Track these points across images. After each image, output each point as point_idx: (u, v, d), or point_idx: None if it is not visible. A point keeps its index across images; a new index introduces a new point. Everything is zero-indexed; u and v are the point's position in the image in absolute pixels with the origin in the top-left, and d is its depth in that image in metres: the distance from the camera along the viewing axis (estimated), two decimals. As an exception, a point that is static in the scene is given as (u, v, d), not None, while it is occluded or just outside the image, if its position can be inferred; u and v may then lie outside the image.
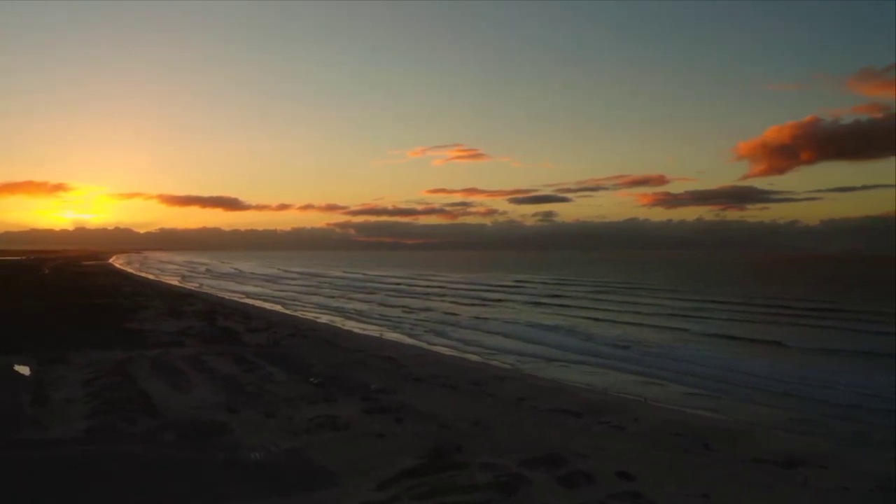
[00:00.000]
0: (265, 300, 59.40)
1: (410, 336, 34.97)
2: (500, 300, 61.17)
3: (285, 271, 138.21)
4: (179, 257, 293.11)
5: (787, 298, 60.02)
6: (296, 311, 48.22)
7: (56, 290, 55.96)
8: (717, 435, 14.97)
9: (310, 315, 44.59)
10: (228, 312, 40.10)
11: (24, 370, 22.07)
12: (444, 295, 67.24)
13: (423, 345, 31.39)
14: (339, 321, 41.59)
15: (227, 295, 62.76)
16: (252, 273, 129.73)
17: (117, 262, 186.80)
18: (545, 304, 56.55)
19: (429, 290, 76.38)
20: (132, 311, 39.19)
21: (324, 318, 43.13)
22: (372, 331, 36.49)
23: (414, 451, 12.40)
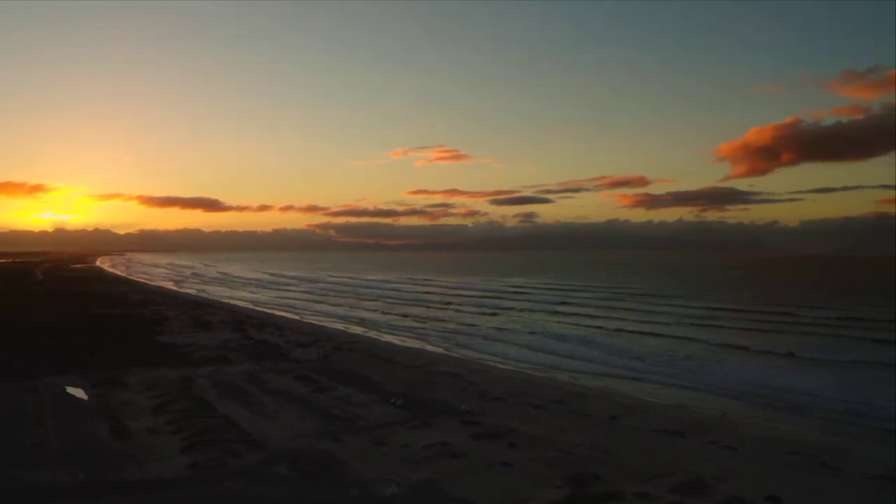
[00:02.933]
0: (276, 308, 58.78)
1: (444, 348, 34.84)
2: (510, 308, 61.12)
3: (277, 276, 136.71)
4: (162, 259, 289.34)
5: (795, 305, 60.67)
6: (320, 321, 47.66)
7: (65, 299, 54.89)
8: (829, 453, 15.13)
9: (333, 326, 44.11)
10: (256, 323, 39.59)
11: (79, 393, 21.30)
12: (448, 302, 67.04)
13: (469, 358, 31.22)
14: (361, 331, 41.27)
15: (239, 303, 61.88)
16: (244, 278, 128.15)
17: (105, 265, 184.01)
18: (559, 312, 56.74)
19: (430, 296, 76.11)
20: (157, 323, 38.53)
21: (342, 327, 42.84)
22: (408, 343, 36.26)
23: (551, 481, 12.34)
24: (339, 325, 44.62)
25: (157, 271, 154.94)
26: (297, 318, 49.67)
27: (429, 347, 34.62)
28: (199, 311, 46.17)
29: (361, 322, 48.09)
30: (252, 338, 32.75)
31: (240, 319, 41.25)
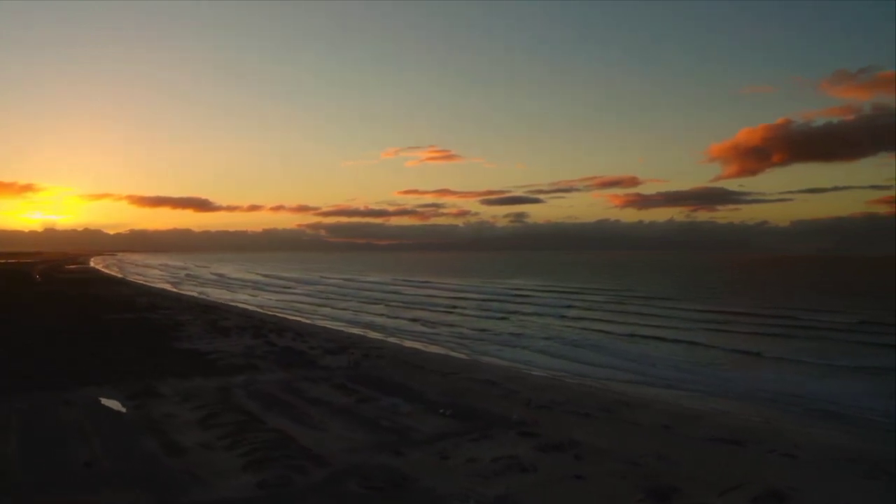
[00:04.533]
0: (283, 312, 58.52)
1: (467, 354, 34.80)
2: (516, 312, 61.12)
3: (273, 278, 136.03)
4: (153, 260, 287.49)
5: (800, 309, 61.08)
6: (335, 326, 47.39)
7: (71, 303, 54.41)
8: (886, 461, 15.28)
9: (350, 331, 43.91)
10: (273, 329, 39.38)
11: (115, 405, 20.94)
12: (452, 306, 66.93)
13: (498, 365, 31.18)
14: (379, 336, 41.14)
15: (247, 307, 61.53)
16: (240, 280, 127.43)
17: (99, 265, 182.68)
18: (567, 316, 56.84)
19: (432, 299, 75.96)
20: (172, 329, 38.23)
21: (358, 332, 42.68)
22: (431, 349, 36.19)
23: (631, 495, 12.38)
24: (354, 330, 44.44)
25: (151, 273, 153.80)
26: (308, 322, 49.42)
27: (454, 354, 34.54)
28: (212, 316, 45.87)
29: (371, 326, 47.96)
30: (275, 344, 32.58)
31: (256, 325, 41.01)
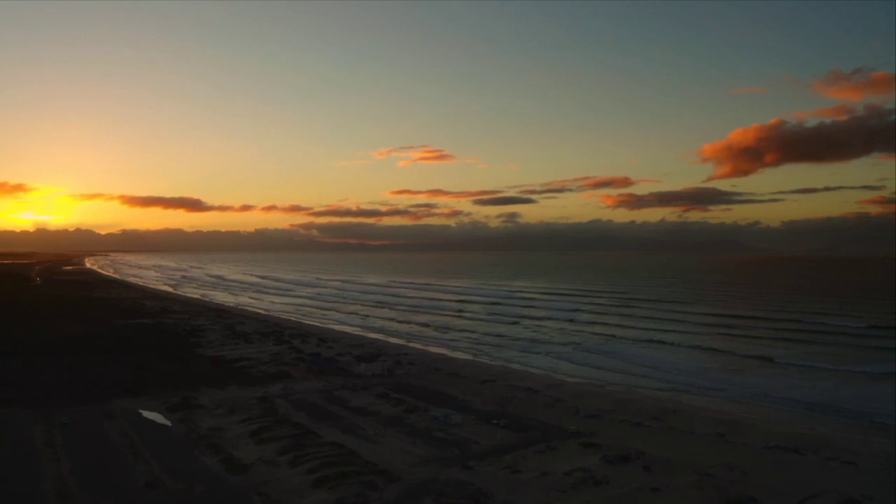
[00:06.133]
0: (294, 316, 58.28)
1: (494, 361, 34.79)
2: (525, 316, 60.97)
3: (271, 279, 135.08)
4: (146, 260, 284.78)
5: (806, 312, 61.41)
6: (352, 331, 47.03)
7: (80, 307, 53.96)
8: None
9: (370, 336, 43.65)
10: (294, 334, 39.23)
11: (158, 418, 20.74)
12: (460, 310, 66.70)
13: (532, 372, 31.19)
14: (399, 342, 41.01)
15: (260, 311, 61.07)
16: (239, 282, 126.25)
17: (95, 266, 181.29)
18: (577, 320, 56.91)
19: (438, 302, 75.61)
20: (191, 334, 38.04)
21: (376, 337, 42.54)
22: (457, 355, 36.10)
23: (712, 508, 12.42)
24: (372, 335, 44.20)
25: (147, 274, 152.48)
26: (325, 326, 49.21)
27: (481, 360, 34.48)
28: (227, 320, 45.63)
29: (385, 331, 47.86)
30: (301, 350, 32.43)
31: (275, 330, 40.82)
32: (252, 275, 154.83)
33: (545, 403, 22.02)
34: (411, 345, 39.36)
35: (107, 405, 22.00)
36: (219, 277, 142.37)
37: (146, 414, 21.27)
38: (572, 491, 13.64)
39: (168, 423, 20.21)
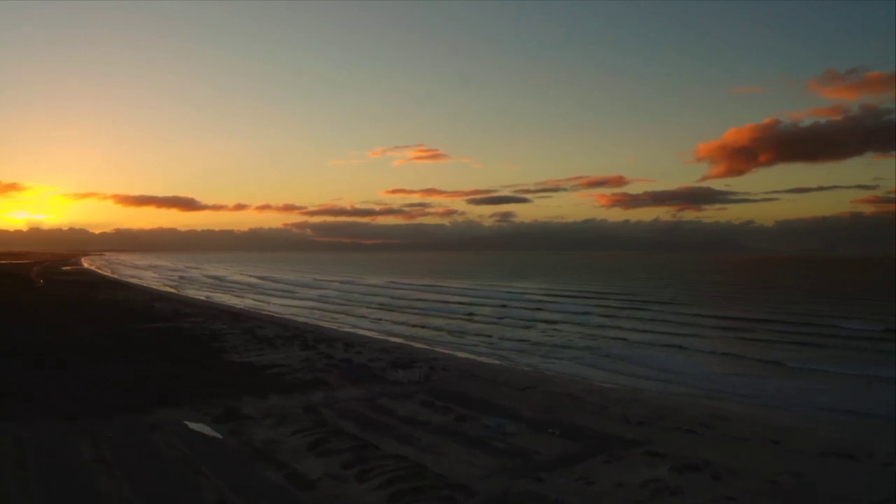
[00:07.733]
0: (308, 319, 58.09)
1: (523, 366, 34.76)
2: (537, 319, 60.97)
3: (270, 280, 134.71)
4: (141, 260, 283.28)
5: (814, 315, 61.72)
6: (372, 335, 46.67)
7: (88, 310, 53.50)
8: None
9: (392, 340, 43.44)
10: (318, 338, 39.07)
11: (205, 430, 20.25)
12: (470, 313, 66.61)
13: (568, 378, 31.20)
14: (423, 347, 40.83)
15: (274, 314, 60.78)
16: (239, 283, 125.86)
17: (92, 266, 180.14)
18: (588, 323, 57.08)
19: (446, 305, 75.66)
20: (212, 339, 37.77)
21: (398, 342, 42.38)
22: (484, 359, 36.01)
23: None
24: (393, 339, 43.97)
25: (145, 274, 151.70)
26: (340, 329, 49.08)
27: (512, 366, 34.42)
28: (245, 324, 45.36)
29: (403, 335, 47.71)
30: (331, 356, 32.25)
31: (296, 334, 40.56)
32: (250, 275, 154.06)
33: (592, 411, 21.96)
34: (437, 350, 39.19)
35: (146, 417, 21.44)
36: (217, 278, 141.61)
37: (192, 426, 20.74)
38: (650, 501, 13.61)
39: (218, 435, 19.74)
